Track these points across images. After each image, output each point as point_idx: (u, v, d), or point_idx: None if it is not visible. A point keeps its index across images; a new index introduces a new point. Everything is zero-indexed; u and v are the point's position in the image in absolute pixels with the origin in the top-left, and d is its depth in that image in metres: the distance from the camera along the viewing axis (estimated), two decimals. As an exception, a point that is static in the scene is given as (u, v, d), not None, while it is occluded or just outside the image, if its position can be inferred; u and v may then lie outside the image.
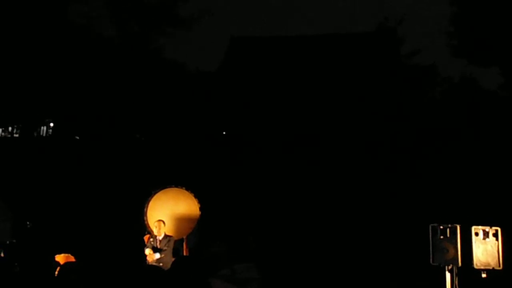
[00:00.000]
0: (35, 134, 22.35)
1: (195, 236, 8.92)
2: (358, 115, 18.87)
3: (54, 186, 15.15)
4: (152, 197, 8.96)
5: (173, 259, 6.91)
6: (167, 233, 8.40)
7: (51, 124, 22.79)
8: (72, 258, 6.66)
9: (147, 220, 8.77)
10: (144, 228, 8.78)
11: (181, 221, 8.82)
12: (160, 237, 8.30)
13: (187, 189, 9.04)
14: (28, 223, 10.81)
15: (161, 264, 7.87)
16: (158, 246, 8.21)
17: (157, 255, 8.08)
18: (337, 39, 24.25)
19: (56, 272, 4.75)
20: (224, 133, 21.09)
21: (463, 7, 20.84)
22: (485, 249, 6.64)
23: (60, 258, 6.68)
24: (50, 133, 22.80)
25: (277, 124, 19.30)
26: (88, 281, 2.81)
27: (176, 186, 9.09)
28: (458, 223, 6.81)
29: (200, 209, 8.86)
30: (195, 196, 8.97)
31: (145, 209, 8.84)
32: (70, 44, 20.68)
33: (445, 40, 22.40)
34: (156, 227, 8.33)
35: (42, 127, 22.83)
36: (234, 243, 2.92)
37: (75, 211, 13.54)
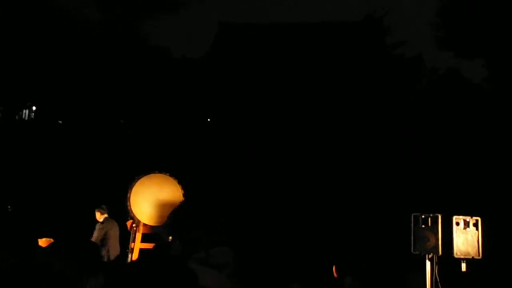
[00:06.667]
0: (17, 118, 22.04)
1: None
2: (344, 105, 18.91)
3: (36, 170, 15.00)
4: (135, 182, 8.88)
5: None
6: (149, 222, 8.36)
7: (34, 108, 22.49)
8: (54, 243, 6.60)
9: (130, 205, 8.71)
10: (127, 214, 8.74)
11: (164, 207, 8.77)
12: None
13: (171, 175, 8.99)
14: (9, 207, 10.70)
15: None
16: None
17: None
18: (324, 27, 24.25)
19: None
20: (209, 120, 21.02)
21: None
22: (465, 238, 6.73)
23: (42, 242, 6.63)
24: (33, 117, 22.49)
25: (262, 111, 19.28)
26: (72, 266, 2.78)
27: (160, 172, 9.03)
28: (439, 213, 6.89)
29: (184, 195, 8.82)
30: (179, 182, 8.92)
31: (128, 195, 8.77)
32: (54, 27, 20.36)
33: (432, 31, 22.41)
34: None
35: (24, 111, 22.51)
36: (211, 228, 2.91)
37: (57, 196, 13.43)
